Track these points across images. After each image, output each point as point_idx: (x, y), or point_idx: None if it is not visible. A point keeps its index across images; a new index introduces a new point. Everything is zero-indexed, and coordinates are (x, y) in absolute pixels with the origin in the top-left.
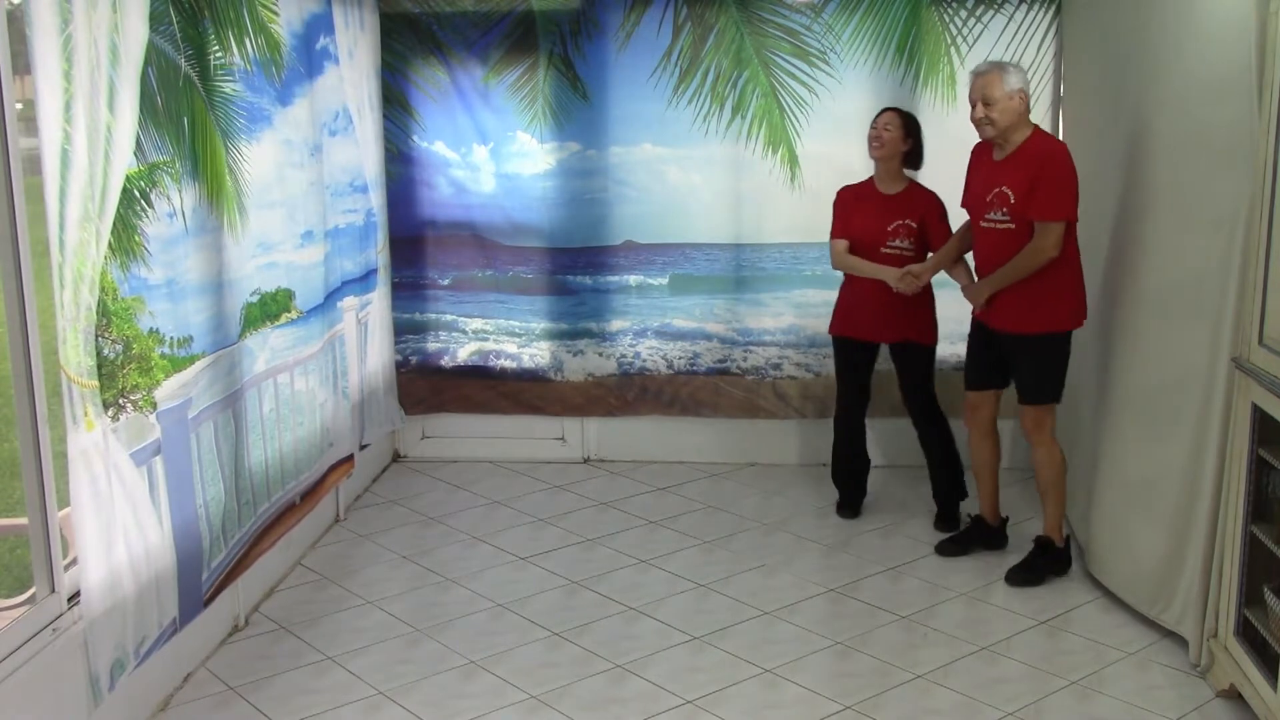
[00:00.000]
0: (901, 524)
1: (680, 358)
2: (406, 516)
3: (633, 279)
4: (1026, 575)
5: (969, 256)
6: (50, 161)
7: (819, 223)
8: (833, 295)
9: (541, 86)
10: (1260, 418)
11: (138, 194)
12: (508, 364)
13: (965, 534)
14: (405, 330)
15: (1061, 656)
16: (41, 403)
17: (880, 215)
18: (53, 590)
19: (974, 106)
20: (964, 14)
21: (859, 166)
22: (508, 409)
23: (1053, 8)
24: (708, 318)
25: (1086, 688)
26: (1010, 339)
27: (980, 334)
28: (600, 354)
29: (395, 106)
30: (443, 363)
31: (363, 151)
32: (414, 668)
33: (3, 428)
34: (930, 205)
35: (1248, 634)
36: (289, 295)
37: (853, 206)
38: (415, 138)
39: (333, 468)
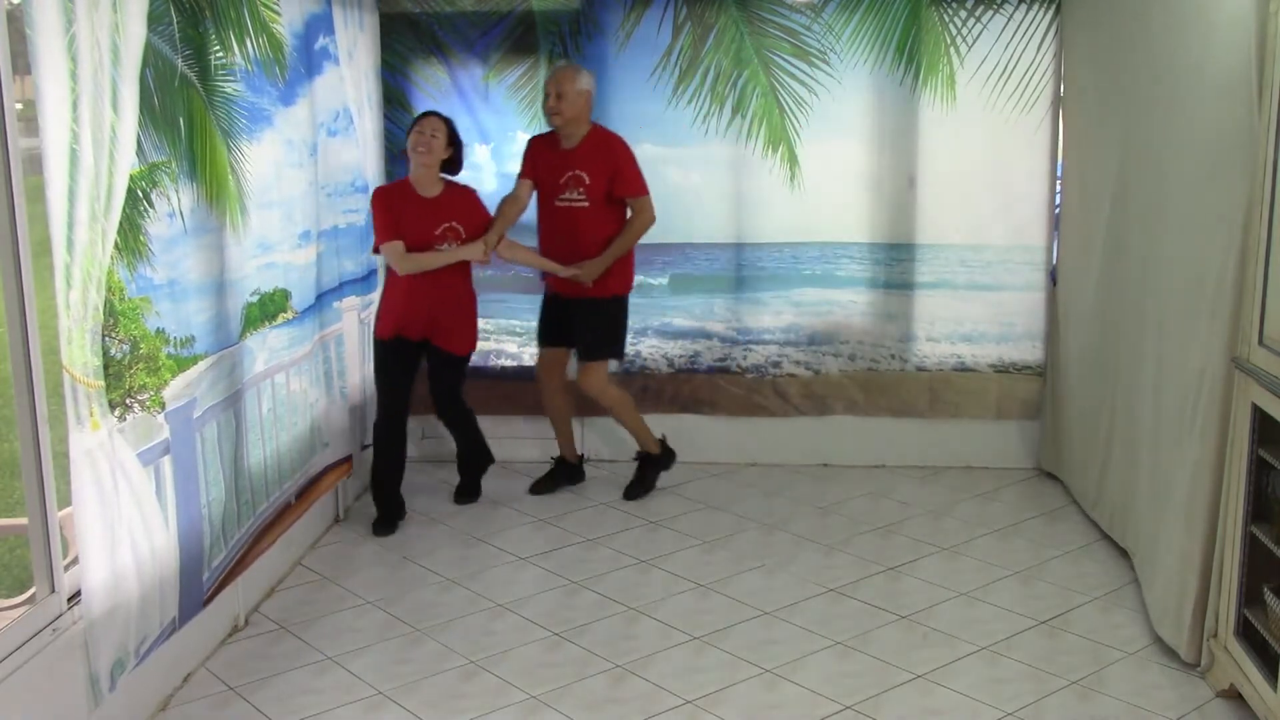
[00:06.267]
0: (901, 525)
1: (680, 356)
2: (407, 517)
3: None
4: (640, 489)
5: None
6: (56, 161)
7: (819, 222)
8: (833, 293)
9: (541, 86)
10: (1260, 418)
11: (140, 194)
12: (508, 363)
13: (552, 474)
14: None
15: (1061, 656)
16: (42, 403)
17: (427, 220)
18: (53, 590)
19: (548, 97)
20: (964, 14)
21: (859, 166)
22: (507, 409)
23: (1053, 8)
24: (708, 317)
25: (1086, 688)
26: (586, 303)
27: (553, 304)
28: None
29: (395, 106)
30: None
31: (363, 151)
32: (414, 668)
33: (3, 428)
34: (474, 203)
35: (1248, 634)
36: (285, 295)
37: (399, 210)
38: None
39: (331, 468)
